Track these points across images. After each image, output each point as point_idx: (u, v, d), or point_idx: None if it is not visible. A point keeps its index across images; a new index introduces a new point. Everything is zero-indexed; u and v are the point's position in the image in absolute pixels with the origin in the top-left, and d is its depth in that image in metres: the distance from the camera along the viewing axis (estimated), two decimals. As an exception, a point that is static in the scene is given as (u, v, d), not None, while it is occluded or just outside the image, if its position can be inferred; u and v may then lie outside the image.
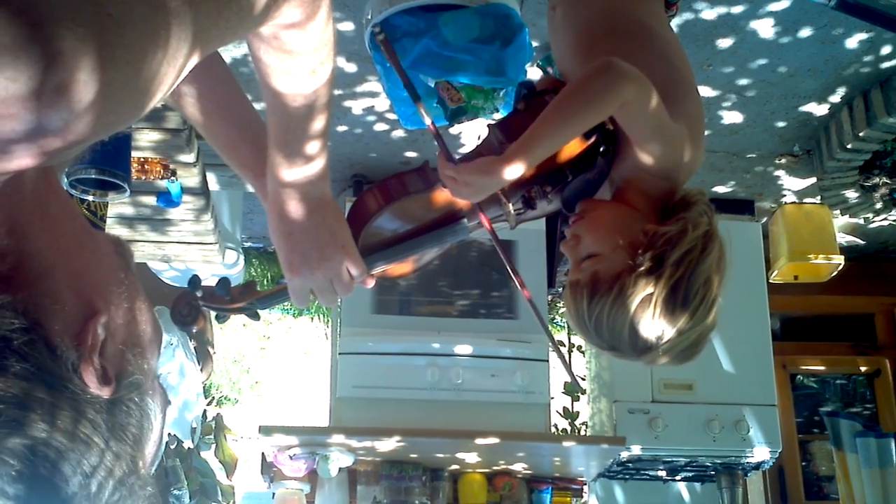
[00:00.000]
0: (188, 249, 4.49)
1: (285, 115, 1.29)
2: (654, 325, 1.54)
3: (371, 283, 1.65)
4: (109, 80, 0.74)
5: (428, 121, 1.54)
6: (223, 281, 1.66)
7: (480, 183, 1.49)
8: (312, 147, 1.34)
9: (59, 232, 0.89)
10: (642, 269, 1.54)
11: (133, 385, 0.90)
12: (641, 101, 1.48)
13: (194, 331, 1.65)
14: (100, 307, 0.89)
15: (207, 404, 6.13)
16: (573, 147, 1.57)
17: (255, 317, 1.71)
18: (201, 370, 5.46)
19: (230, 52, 4.09)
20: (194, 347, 5.30)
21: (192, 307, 1.64)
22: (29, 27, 0.67)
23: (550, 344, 3.97)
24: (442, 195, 1.63)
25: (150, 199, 3.76)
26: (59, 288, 0.85)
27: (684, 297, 1.54)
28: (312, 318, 8.80)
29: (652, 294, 1.53)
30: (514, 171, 1.45)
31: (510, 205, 1.63)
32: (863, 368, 6.73)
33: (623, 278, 1.55)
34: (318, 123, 1.31)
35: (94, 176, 2.91)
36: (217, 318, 1.71)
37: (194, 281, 1.65)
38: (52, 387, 0.79)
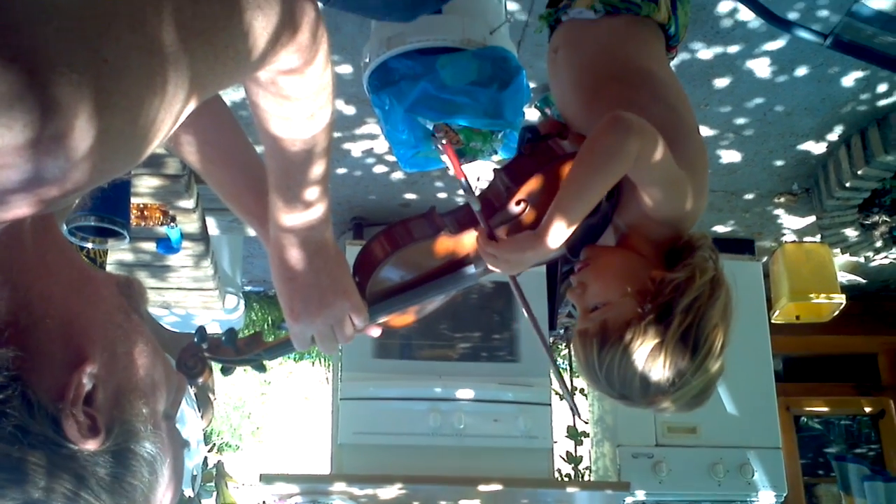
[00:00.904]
0: (188, 295, 4.48)
1: (284, 160, 1.28)
2: (665, 373, 1.53)
3: (377, 333, 1.64)
4: (106, 126, 0.73)
5: (477, 207, 1.53)
6: (230, 332, 1.64)
7: (519, 259, 1.51)
8: (312, 192, 1.33)
9: (54, 279, 0.88)
10: (651, 316, 1.53)
11: (128, 433, 0.89)
12: (651, 152, 1.48)
13: (199, 383, 1.62)
14: (89, 354, 0.87)
15: (208, 451, 6.09)
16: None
17: (262, 368, 1.68)
18: (202, 417, 5.42)
19: (229, 96, 4.10)
20: (195, 394, 5.26)
21: (198, 359, 1.62)
22: (24, 74, 0.66)
23: (554, 372, 3.94)
24: (448, 241, 1.62)
25: (150, 246, 3.76)
26: (48, 339, 0.84)
27: (694, 345, 1.53)
28: (313, 363, 8.78)
29: (662, 342, 1.51)
30: (551, 243, 1.46)
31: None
32: (867, 409, 6.69)
33: (632, 326, 1.53)
34: (318, 168, 1.30)
35: (93, 223, 2.91)
36: (222, 370, 1.67)
37: (201, 333, 1.63)
38: (31, 445, 0.78)
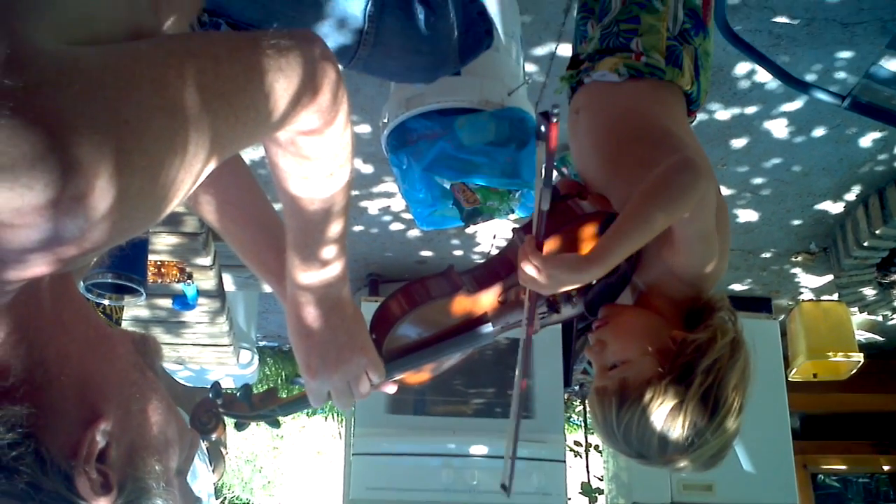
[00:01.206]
0: (202, 351, 4.48)
1: (302, 219, 1.27)
2: (684, 432, 1.52)
3: (393, 389, 1.63)
4: (126, 186, 0.73)
5: (544, 205, 1.44)
6: (245, 388, 1.63)
7: (562, 279, 1.43)
8: (330, 251, 1.32)
9: (70, 337, 0.88)
10: (672, 376, 1.52)
11: (141, 491, 0.89)
12: (711, 199, 1.49)
13: (213, 438, 1.61)
14: (103, 412, 0.87)
15: (219, 506, 6.04)
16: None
17: (276, 424, 1.67)
18: (213, 471, 5.39)
19: (248, 154, 4.13)
20: (206, 448, 5.24)
21: (212, 415, 1.61)
22: (46, 135, 0.67)
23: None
24: (466, 300, 1.61)
25: (166, 302, 3.76)
26: (62, 396, 0.84)
27: (713, 405, 1.52)
28: (326, 418, 8.75)
29: (682, 402, 1.50)
30: (599, 270, 1.43)
31: (535, 310, 1.62)
32: (885, 467, 6.62)
33: (653, 386, 1.52)
34: (336, 227, 1.29)
35: (110, 280, 2.91)
36: (236, 425, 1.66)
37: (215, 388, 1.62)
38: (43, 502, 0.78)
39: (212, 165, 0.87)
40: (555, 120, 1.15)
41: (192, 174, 0.83)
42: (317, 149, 1.13)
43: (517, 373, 1.69)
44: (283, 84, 0.93)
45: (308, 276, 1.35)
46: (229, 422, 1.67)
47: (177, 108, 0.78)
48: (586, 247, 1.58)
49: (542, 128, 1.16)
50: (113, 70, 0.73)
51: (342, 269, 1.38)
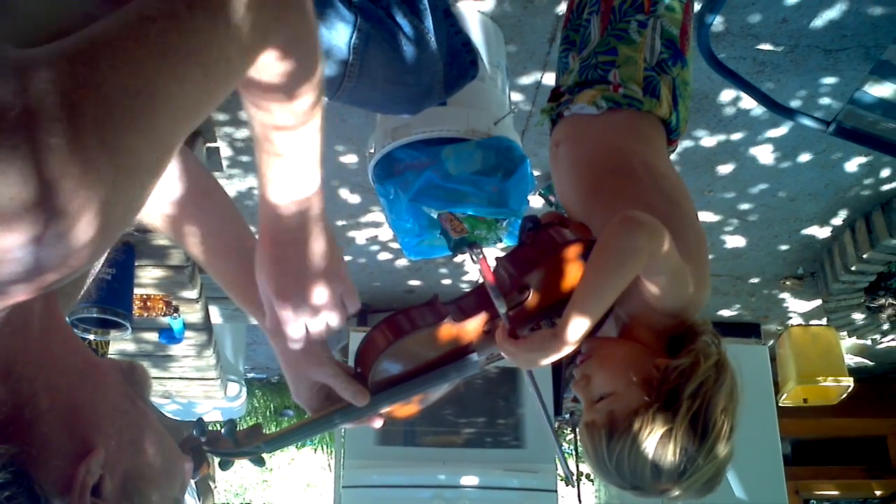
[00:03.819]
0: (189, 385, 4.46)
1: (272, 121, 1.16)
2: (675, 459, 1.51)
3: (379, 424, 1.61)
4: (108, 218, 0.72)
5: (503, 310, 1.52)
6: (229, 424, 1.61)
7: (537, 358, 1.49)
8: (304, 160, 1.20)
9: (59, 369, 0.86)
10: (658, 404, 1.52)
11: None
12: (661, 248, 1.48)
13: (198, 475, 1.57)
14: (96, 444, 0.85)
15: (208, 541, 5.99)
16: (576, 278, 1.56)
17: (260, 462, 1.65)
18: (202, 506, 5.36)
19: (235, 186, 4.12)
20: (195, 482, 5.21)
21: (196, 452, 1.59)
22: (37, 189, 0.66)
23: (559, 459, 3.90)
24: (452, 329, 1.60)
25: (153, 336, 3.75)
26: (52, 430, 0.82)
27: (703, 430, 1.51)
28: (316, 450, 8.69)
29: (671, 429, 1.50)
30: (569, 342, 1.45)
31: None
32: (877, 492, 6.62)
33: (640, 415, 1.52)
34: (311, 135, 1.16)
35: (95, 315, 2.90)
36: (221, 464, 1.64)
37: (200, 426, 1.60)
38: None
39: (186, 133, 0.84)
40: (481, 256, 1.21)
41: (169, 152, 0.80)
42: (289, 68, 1.04)
43: (539, 404, 1.71)
44: (250, 21, 0.86)
45: (280, 188, 1.24)
46: (214, 460, 1.65)
47: (147, 84, 0.75)
48: (571, 273, 1.57)
49: (473, 258, 1.22)
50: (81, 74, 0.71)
51: (318, 185, 1.29)
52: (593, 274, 1.47)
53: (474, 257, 1.20)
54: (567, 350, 1.46)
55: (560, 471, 5.98)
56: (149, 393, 1.01)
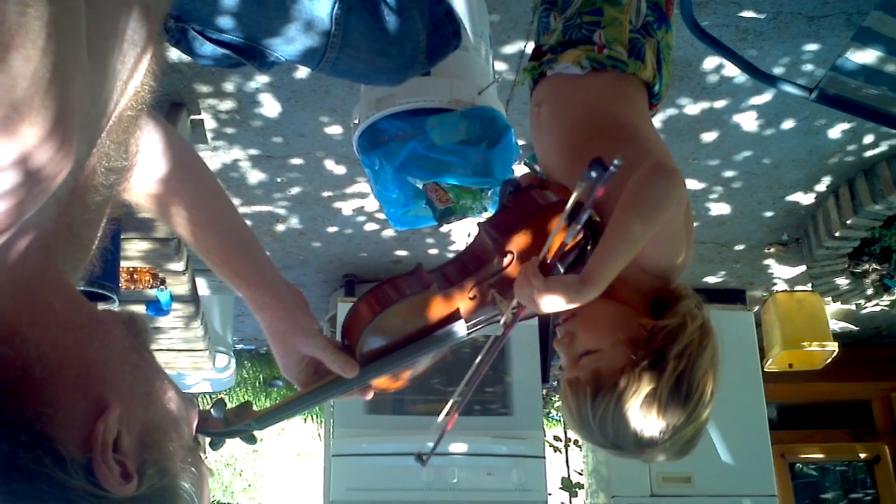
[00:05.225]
0: (178, 357, 4.46)
1: None
2: (659, 420, 1.52)
3: (369, 396, 1.63)
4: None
5: (562, 241, 1.47)
6: (219, 403, 1.61)
7: (560, 301, 1.43)
8: None
9: (64, 328, 0.86)
10: (645, 363, 1.53)
11: (160, 473, 0.88)
12: (683, 200, 1.49)
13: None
14: (110, 401, 0.85)
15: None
16: (560, 241, 1.56)
17: (252, 440, 1.63)
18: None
19: (220, 158, 4.12)
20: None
21: None
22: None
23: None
24: (437, 298, 1.60)
25: (140, 308, 3.75)
26: (66, 390, 0.82)
27: (687, 391, 1.53)
28: (305, 419, 8.71)
29: (656, 388, 1.51)
30: (594, 289, 1.41)
31: (506, 304, 1.62)
32: (862, 455, 6.68)
33: (626, 374, 1.52)
34: None
35: (82, 288, 2.89)
36: (211, 444, 1.62)
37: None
38: (69, 500, 0.77)
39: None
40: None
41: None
42: None
43: (480, 358, 1.67)
44: None
45: None
46: (204, 440, 1.64)
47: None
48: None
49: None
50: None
51: None
52: (625, 220, 1.44)
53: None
54: (592, 296, 1.44)
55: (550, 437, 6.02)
56: (151, 343, 1.01)
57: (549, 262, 1.45)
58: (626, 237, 1.44)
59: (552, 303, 1.45)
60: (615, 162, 1.17)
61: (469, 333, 1.64)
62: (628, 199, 1.46)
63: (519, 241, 1.57)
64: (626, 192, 1.47)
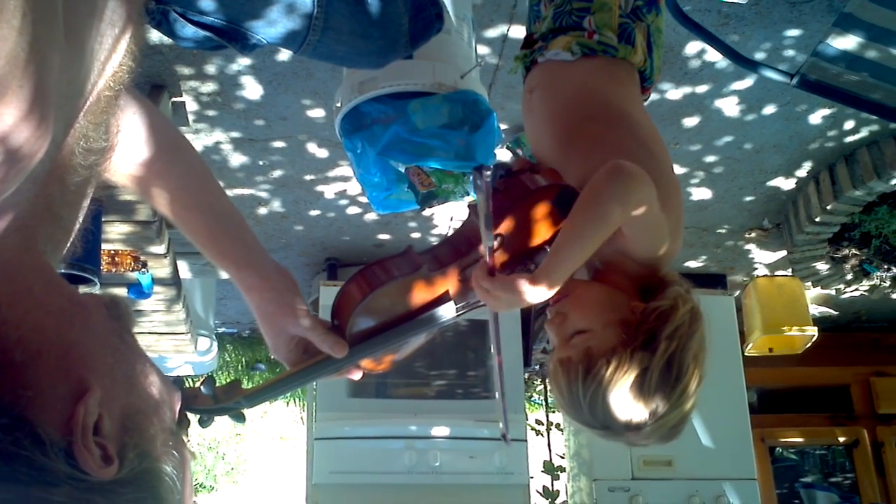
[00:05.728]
0: (160, 340, 4.45)
1: None
2: (649, 402, 1.53)
3: (358, 376, 1.63)
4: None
5: (490, 243, 1.51)
6: (208, 380, 1.61)
7: (510, 299, 1.48)
8: None
9: (45, 310, 0.85)
10: (637, 343, 1.54)
11: (141, 456, 0.87)
12: (648, 199, 1.50)
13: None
14: (91, 384, 0.85)
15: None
16: (550, 225, 1.57)
17: (241, 418, 1.63)
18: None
19: (202, 140, 4.11)
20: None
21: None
22: None
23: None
24: (427, 280, 1.61)
25: (121, 291, 3.73)
26: (46, 372, 0.82)
27: (677, 373, 1.54)
28: (288, 403, 8.72)
29: (648, 368, 1.52)
30: (546, 288, 1.44)
31: None
32: (841, 439, 6.73)
33: (618, 354, 1.53)
34: None
35: (63, 271, 2.88)
36: (200, 422, 1.62)
37: (177, 383, 1.60)
38: (49, 483, 0.77)
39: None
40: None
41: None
42: None
43: (493, 349, 1.70)
44: None
45: None
46: (192, 418, 1.63)
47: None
48: (542, 220, 1.59)
49: (478, 181, 1.21)
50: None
51: None
52: (579, 220, 1.47)
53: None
54: (544, 295, 1.46)
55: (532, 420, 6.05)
56: (133, 326, 1.01)
57: (494, 267, 1.49)
58: (578, 238, 1.46)
59: (508, 303, 1.49)
60: (492, 164, 1.20)
61: (458, 315, 1.65)
62: (582, 198, 1.49)
63: (508, 224, 1.57)
64: (583, 190, 1.49)
